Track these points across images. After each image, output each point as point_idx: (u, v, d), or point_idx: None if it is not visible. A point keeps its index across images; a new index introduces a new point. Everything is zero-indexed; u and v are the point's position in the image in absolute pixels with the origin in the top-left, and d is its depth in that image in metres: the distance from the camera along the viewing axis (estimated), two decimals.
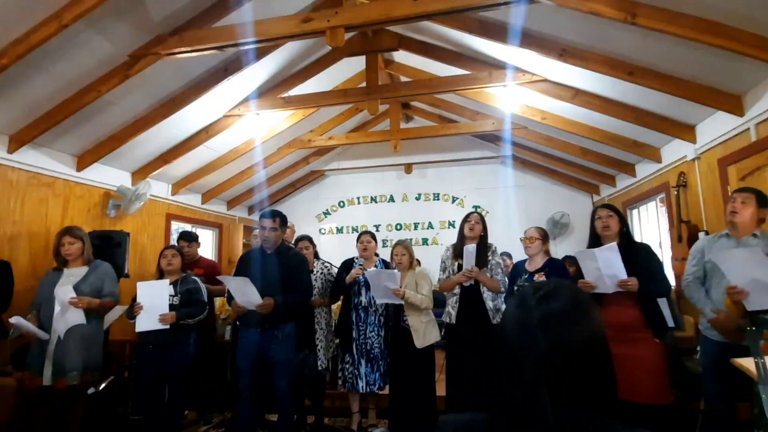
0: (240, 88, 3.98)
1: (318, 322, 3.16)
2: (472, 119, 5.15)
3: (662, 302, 2.32)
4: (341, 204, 6.79)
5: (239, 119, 4.28)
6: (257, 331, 2.66)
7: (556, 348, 0.63)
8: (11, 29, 2.43)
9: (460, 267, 2.88)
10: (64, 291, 2.54)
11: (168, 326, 2.70)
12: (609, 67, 3.02)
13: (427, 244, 6.39)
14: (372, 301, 3.08)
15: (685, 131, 3.54)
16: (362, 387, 3.03)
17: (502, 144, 5.81)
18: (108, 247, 3.45)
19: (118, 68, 2.99)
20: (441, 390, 2.97)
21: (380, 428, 3.14)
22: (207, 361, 3.53)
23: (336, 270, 3.39)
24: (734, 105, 2.90)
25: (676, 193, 3.77)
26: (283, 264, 2.72)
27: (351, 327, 3.11)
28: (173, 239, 5.03)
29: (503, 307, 2.83)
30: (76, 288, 2.59)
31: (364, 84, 4.19)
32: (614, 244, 2.22)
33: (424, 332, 2.90)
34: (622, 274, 2.17)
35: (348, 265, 3.21)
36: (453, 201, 6.47)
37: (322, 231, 6.74)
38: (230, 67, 3.50)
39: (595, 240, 2.41)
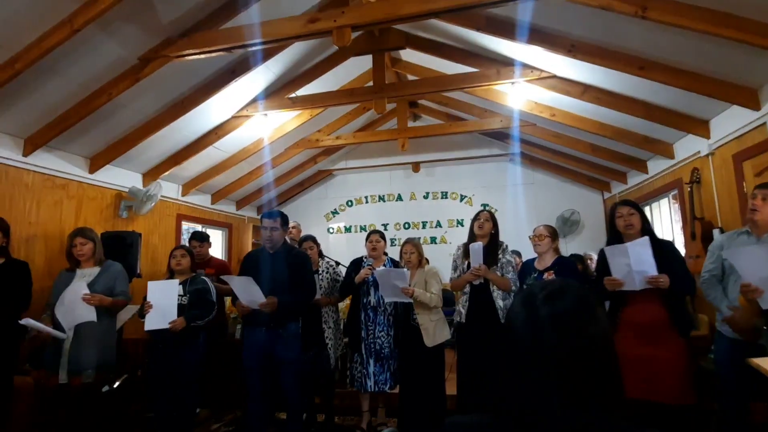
0: (248, 89, 4.01)
1: (326, 320, 3.18)
2: (480, 117, 5.11)
3: None
4: (349, 203, 6.81)
5: (247, 120, 4.32)
6: (262, 330, 2.68)
7: (561, 347, 0.63)
8: (25, 34, 2.48)
9: (470, 266, 2.87)
10: (77, 287, 2.59)
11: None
12: (619, 62, 2.97)
13: (436, 243, 6.37)
14: (381, 301, 3.08)
15: (699, 126, 3.48)
16: (371, 386, 3.04)
17: (510, 141, 5.76)
18: (120, 247, 3.51)
19: (128, 71, 3.04)
20: (450, 389, 2.96)
21: (390, 427, 3.14)
22: (218, 360, 3.57)
23: (341, 268, 3.40)
24: (750, 99, 2.84)
25: (689, 189, 3.71)
26: (286, 263, 2.74)
27: (360, 326, 3.11)
28: (184, 239, 5.10)
29: None
30: (89, 288, 2.64)
31: (371, 83, 4.19)
32: (647, 238, 2.16)
33: (434, 331, 2.90)
34: (653, 270, 2.11)
35: (357, 264, 3.22)
36: (461, 199, 6.44)
37: (331, 230, 6.76)
38: (238, 69, 3.53)
39: (616, 239, 2.35)
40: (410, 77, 4.96)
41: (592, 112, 3.97)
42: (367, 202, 6.75)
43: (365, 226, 6.51)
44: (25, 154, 3.28)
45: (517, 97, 4.07)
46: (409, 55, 4.56)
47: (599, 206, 5.99)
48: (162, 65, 3.02)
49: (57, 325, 2.59)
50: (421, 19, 2.83)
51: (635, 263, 2.14)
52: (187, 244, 3.86)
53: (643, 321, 2.18)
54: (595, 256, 5.03)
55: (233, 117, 4.27)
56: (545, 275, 2.64)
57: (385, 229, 6.35)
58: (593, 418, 0.62)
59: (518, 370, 0.66)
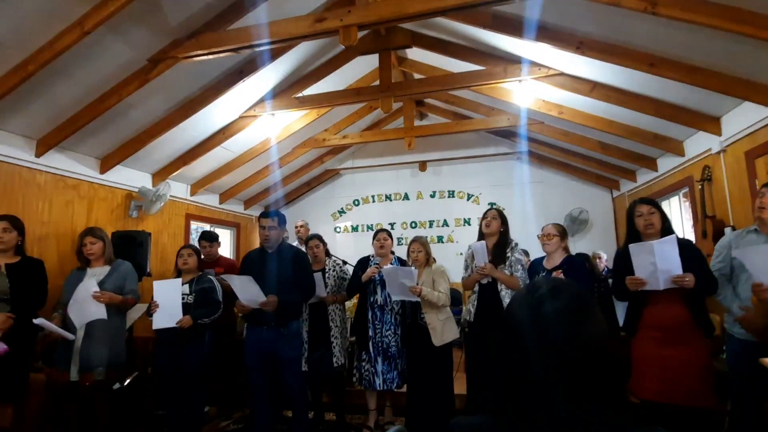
0: (255, 90, 4.03)
1: (332, 319, 3.19)
2: (487, 115, 5.09)
3: None
4: (356, 202, 6.82)
5: (255, 120, 4.34)
6: (263, 329, 2.70)
7: (559, 346, 0.63)
8: (36, 37, 2.52)
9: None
10: (89, 285, 2.63)
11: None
12: (628, 58, 2.94)
13: (443, 242, 6.36)
14: (388, 300, 3.08)
15: (710, 123, 3.42)
16: (379, 384, 3.04)
17: (517, 140, 5.73)
18: (130, 246, 3.55)
19: (137, 72, 3.07)
20: (458, 388, 2.96)
21: (397, 426, 3.15)
22: (227, 358, 3.60)
23: (347, 266, 3.41)
24: (762, 95, 2.78)
25: (700, 187, 3.66)
26: (285, 262, 2.76)
27: (367, 325, 3.12)
28: (193, 239, 5.15)
29: None
30: (99, 286, 2.67)
31: (377, 82, 4.19)
32: (674, 237, 2.12)
33: (442, 330, 2.89)
34: (678, 269, 2.07)
35: (364, 263, 3.22)
36: (468, 198, 6.41)
37: (338, 229, 6.78)
38: (245, 69, 3.55)
39: (634, 238, 2.30)
40: (417, 76, 4.95)
41: (600, 110, 3.93)
42: (373, 201, 6.75)
43: (372, 225, 6.52)
44: (37, 155, 3.34)
45: (524, 95, 4.04)
46: (415, 53, 4.55)
47: (608, 205, 5.93)
48: (170, 66, 3.05)
49: (68, 324, 2.63)
50: (428, 17, 2.82)
51: (661, 261, 2.09)
52: (197, 244, 3.89)
53: (666, 322, 2.14)
54: (604, 255, 4.99)
55: (241, 117, 4.30)
56: (553, 274, 2.62)
57: (392, 229, 6.34)
58: (596, 416, 0.61)
59: (517, 369, 0.66)
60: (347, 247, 6.24)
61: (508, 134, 5.81)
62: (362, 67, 4.58)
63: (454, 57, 3.94)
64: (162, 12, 2.74)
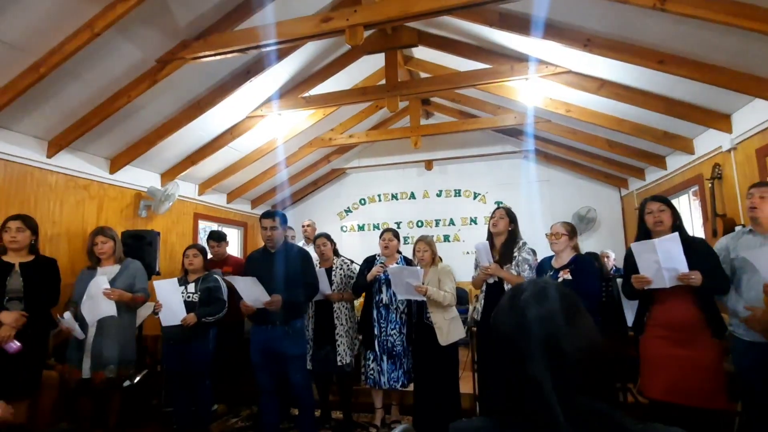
0: (262, 90, 4.06)
1: (338, 317, 3.20)
2: (494, 114, 5.07)
3: None
4: (362, 201, 6.83)
5: (262, 120, 4.37)
6: (268, 328, 2.73)
7: (549, 347, 0.64)
8: (47, 39, 2.56)
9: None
10: (100, 281, 2.67)
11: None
12: (637, 56, 2.91)
13: (449, 241, 6.35)
14: (393, 299, 3.08)
15: (720, 121, 3.38)
16: (384, 383, 3.05)
17: (524, 138, 5.69)
18: (140, 246, 3.59)
19: (146, 73, 3.10)
20: (464, 387, 2.95)
21: (403, 425, 3.15)
22: (235, 356, 3.63)
23: (355, 265, 3.42)
24: None
25: (710, 185, 3.61)
26: (289, 261, 2.78)
27: (372, 324, 3.13)
28: (201, 238, 5.19)
29: None
30: (110, 285, 2.72)
31: (383, 81, 4.19)
32: (676, 234, 2.10)
33: (448, 329, 2.89)
34: (684, 267, 2.05)
35: (370, 262, 3.23)
36: (475, 197, 6.39)
37: (344, 229, 6.79)
38: (252, 69, 3.58)
39: (645, 236, 2.28)
40: (423, 75, 4.95)
41: (609, 108, 3.89)
42: (380, 200, 6.76)
43: (378, 224, 6.53)
44: (48, 156, 3.39)
45: (531, 93, 4.02)
46: (421, 52, 4.55)
47: (616, 203, 5.88)
48: (179, 67, 3.08)
49: (80, 321, 2.68)
50: (434, 16, 2.82)
51: (664, 260, 2.07)
52: (205, 243, 3.93)
53: (674, 320, 2.11)
54: (612, 254, 4.95)
55: (248, 117, 4.32)
56: (560, 273, 2.60)
57: (398, 228, 6.35)
58: (596, 415, 0.62)
59: (512, 371, 0.67)
60: (354, 246, 6.25)
61: (514, 133, 5.78)
62: (368, 66, 4.58)
63: (460, 55, 3.92)
64: (170, 13, 2.77)
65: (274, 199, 6.62)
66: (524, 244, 2.83)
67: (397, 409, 3.29)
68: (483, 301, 2.85)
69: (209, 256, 3.53)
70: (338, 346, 3.15)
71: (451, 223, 6.41)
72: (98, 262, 2.87)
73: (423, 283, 2.84)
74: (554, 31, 3.00)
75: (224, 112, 4.07)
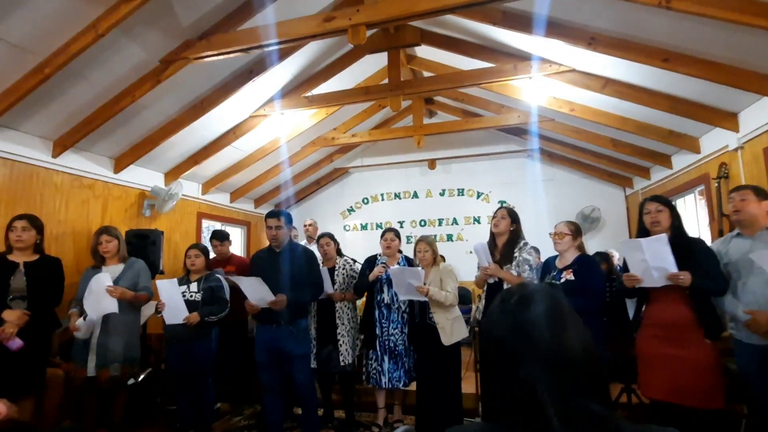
0: (265, 89, 4.06)
1: (340, 317, 3.20)
2: (497, 113, 5.05)
3: None
4: (365, 201, 6.83)
5: (264, 119, 4.37)
6: (273, 327, 2.74)
7: (540, 350, 0.64)
8: (52, 40, 2.58)
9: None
10: (103, 278, 2.69)
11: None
12: (642, 54, 2.88)
13: (452, 241, 6.33)
14: (394, 299, 3.08)
15: (727, 119, 3.34)
16: (385, 383, 3.05)
17: (528, 137, 5.66)
18: (144, 245, 3.62)
19: (150, 73, 3.12)
20: (467, 387, 2.95)
21: (405, 425, 3.15)
22: (239, 355, 3.65)
23: (357, 265, 3.42)
24: None
25: (716, 185, 3.57)
26: (294, 260, 2.79)
27: (374, 324, 3.12)
28: (204, 237, 5.21)
29: None
30: (114, 284, 2.73)
31: (386, 80, 4.18)
32: (664, 235, 2.10)
33: (451, 329, 2.88)
34: (672, 267, 2.05)
35: (371, 261, 3.23)
36: (478, 196, 6.37)
37: (347, 228, 6.80)
38: (255, 69, 3.58)
39: (643, 236, 2.29)
40: (426, 74, 4.93)
41: (613, 106, 3.86)
42: (383, 199, 6.75)
43: (381, 223, 6.53)
44: (54, 156, 3.41)
45: (534, 92, 3.99)
46: (424, 51, 4.53)
47: (621, 203, 5.83)
48: (182, 67, 3.09)
49: (86, 319, 2.69)
50: (437, 15, 2.81)
51: (651, 259, 2.09)
52: (208, 243, 3.95)
53: (666, 319, 2.12)
54: (616, 254, 4.91)
55: (251, 117, 4.33)
56: (564, 273, 2.59)
57: (401, 227, 6.34)
58: (591, 417, 0.62)
59: (504, 375, 0.68)
60: (356, 245, 6.25)
61: (518, 132, 5.75)
62: (371, 65, 4.57)
63: (463, 54, 3.91)
64: (173, 14, 2.78)
65: (277, 199, 6.64)
66: (525, 244, 2.80)
67: (399, 408, 3.29)
68: (484, 300, 2.85)
69: (212, 255, 3.54)
70: (340, 345, 3.15)
71: (455, 222, 6.39)
72: (102, 261, 2.89)
73: (424, 284, 2.84)
74: (558, 29, 2.98)
75: (227, 112, 4.08)
